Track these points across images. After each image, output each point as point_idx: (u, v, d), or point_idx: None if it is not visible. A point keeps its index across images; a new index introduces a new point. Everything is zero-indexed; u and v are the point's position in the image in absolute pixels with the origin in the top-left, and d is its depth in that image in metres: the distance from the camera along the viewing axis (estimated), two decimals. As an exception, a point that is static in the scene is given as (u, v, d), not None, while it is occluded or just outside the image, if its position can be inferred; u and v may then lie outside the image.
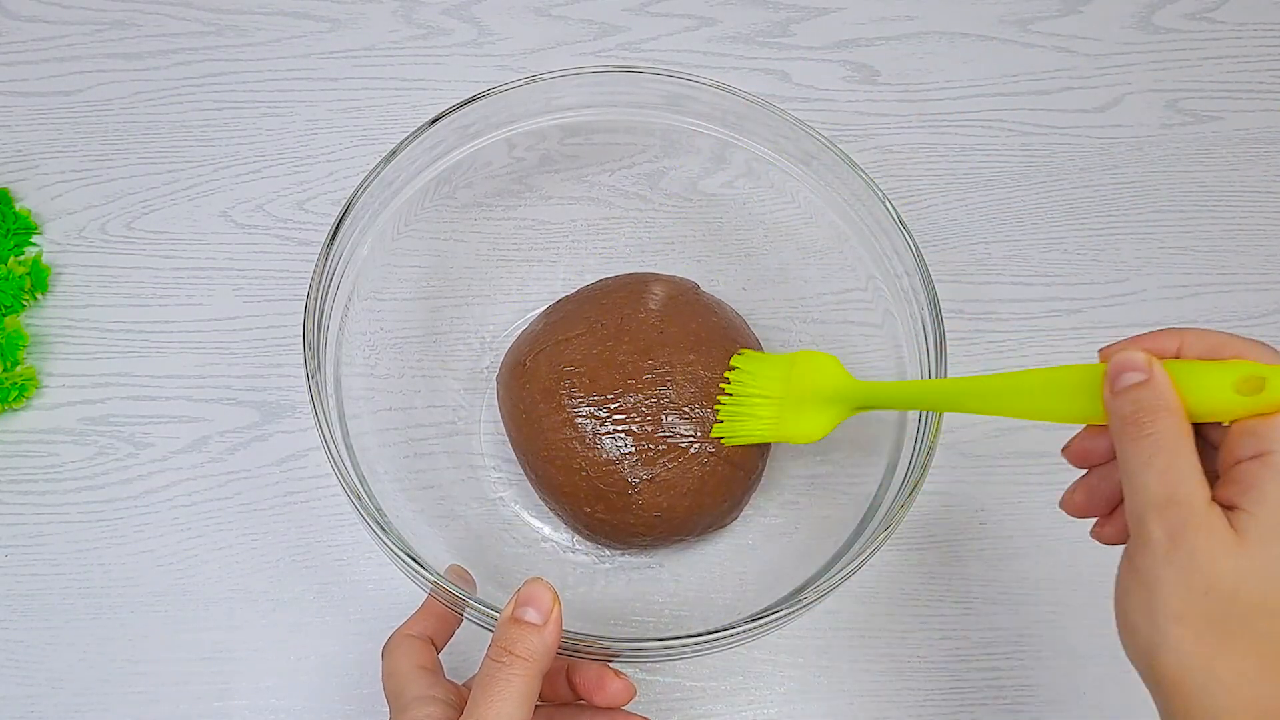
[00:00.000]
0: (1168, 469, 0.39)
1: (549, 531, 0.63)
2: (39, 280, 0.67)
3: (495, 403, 0.63)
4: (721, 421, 0.58)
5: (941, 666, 0.62)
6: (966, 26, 0.79)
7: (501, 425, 0.62)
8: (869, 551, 0.52)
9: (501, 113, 0.61)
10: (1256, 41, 0.80)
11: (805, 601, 0.51)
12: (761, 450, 0.61)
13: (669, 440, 0.58)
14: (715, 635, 0.50)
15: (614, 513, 0.58)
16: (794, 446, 0.64)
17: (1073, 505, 0.46)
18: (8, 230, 0.68)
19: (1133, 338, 0.43)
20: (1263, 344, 0.41)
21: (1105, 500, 0.45)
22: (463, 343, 0.66)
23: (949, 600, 0.63)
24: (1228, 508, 0.38)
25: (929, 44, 0.79)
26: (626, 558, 0.62)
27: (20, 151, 0.72)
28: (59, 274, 0.69)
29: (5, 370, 0.64)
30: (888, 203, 0.58)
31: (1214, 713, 0.37)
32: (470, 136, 0.61)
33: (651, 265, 0.67)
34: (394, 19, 0.78)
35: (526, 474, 0.61)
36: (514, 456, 0.62)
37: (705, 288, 0.64)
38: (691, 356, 0.59)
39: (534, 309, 0.65)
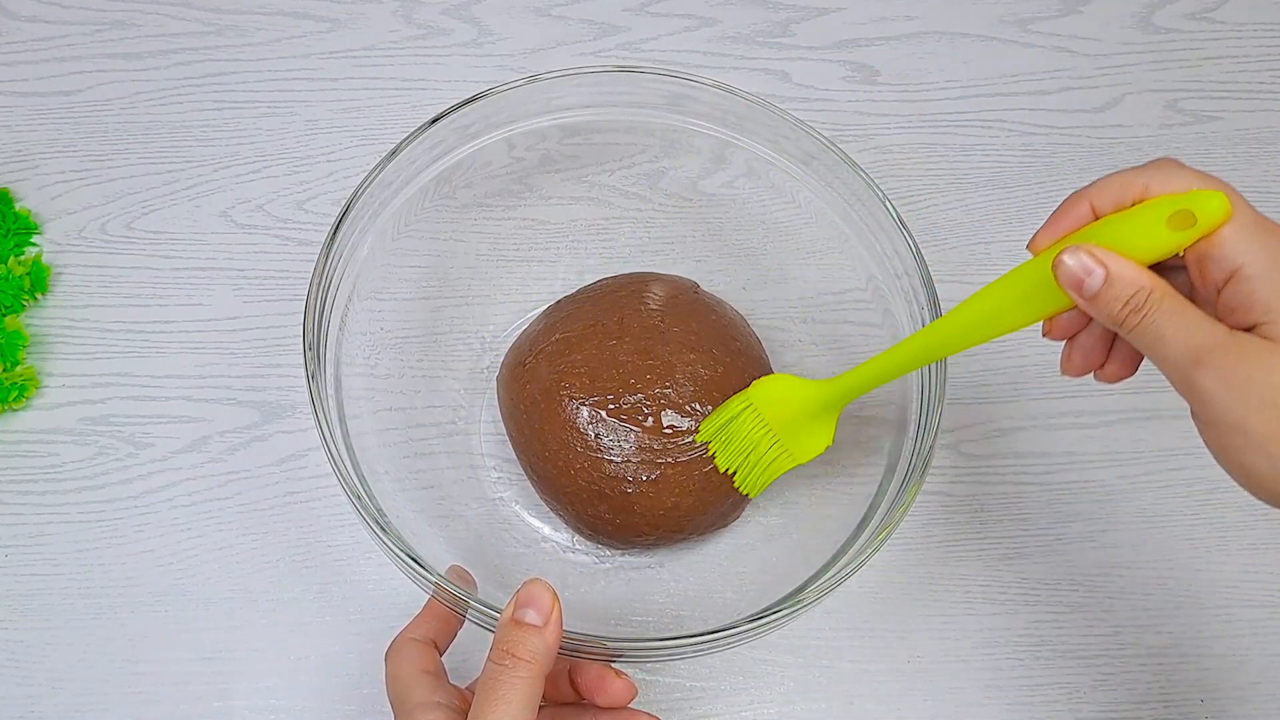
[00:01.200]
0: (1180, 330, 0.40)
1: (549, 531, 0.63)
2: (39, 280, 0.67)
3: (495, 403, 0.63)
4: (733, 473, 0.58)
5: (941, 666, 0.62)
6: (966, 26, 0.79)
7: (501, 425, 0.62)
8: (869, 551, 0.52)
9: (501, 113, 0.61)
10: (1256, 41, 0.80)
11: (805, 601, 0.51)
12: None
13: (670, 440, 0.58)
14: (715, 635, 0.50)
15: (616, 513, 0.58)
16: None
17: (1073, 367, 0.47)
18: (8, 230, 0.68)
19: (1050, 224, 0.44)
20: (1160, 163, 0.42)
21: (1098, 352, 0.46)
22: (463, 343, 0.66)
23: (949, 600, 0.63)
24: (1246, 329, 0.40)
25: (929, 44, 0.79)
26: (627, 558, 0.62)
27: (20, 151, 0.72)
28: (59, 274, 0.69)
29: (5, 370, 0.64)
30: (888, 203, 0.58)
31: None
32: (470, 136, 0.61)
33: (651, 265, 0.67)
34: (394, 19, 0.78)
35: (527, 474, 0.61)
36: (514, 456, 0.62)
37: (705, 288, 0.64)
38: (692, 356, 0.59)
39: (534, 309, 0.65)
